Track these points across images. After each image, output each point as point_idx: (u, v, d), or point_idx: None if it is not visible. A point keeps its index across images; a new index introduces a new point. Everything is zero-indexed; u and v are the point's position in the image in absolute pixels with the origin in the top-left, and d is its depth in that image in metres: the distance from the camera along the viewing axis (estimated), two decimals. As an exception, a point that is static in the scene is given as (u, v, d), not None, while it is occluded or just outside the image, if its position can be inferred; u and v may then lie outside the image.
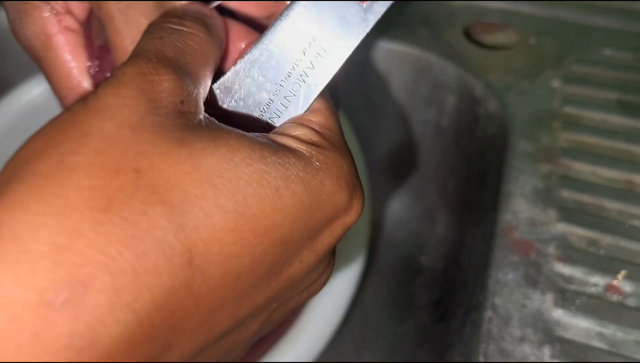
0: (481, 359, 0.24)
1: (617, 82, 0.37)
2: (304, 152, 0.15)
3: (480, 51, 0.41)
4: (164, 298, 0.12)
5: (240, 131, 0.14)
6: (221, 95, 0.18)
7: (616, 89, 0.36)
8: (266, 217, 0.13)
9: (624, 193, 0.30)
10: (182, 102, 0.14)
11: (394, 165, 0.50)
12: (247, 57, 0.18)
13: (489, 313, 0.25)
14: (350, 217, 0.16)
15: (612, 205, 0.29)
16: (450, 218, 0.45)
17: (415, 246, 0.48)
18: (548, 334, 0.24)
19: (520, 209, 0.30)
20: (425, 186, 0.48)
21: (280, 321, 0.17)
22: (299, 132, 0.16)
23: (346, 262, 0.29)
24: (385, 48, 0.43)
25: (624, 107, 0.35)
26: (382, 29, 0.44)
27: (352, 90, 0.47)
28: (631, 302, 0.25)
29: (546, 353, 0.24)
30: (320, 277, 0.17)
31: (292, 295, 0.16)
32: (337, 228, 0.16)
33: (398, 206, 0.51)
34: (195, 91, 0.15)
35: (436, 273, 0.45)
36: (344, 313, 0.28)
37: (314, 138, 0.16)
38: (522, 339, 0.24)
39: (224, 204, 0.12)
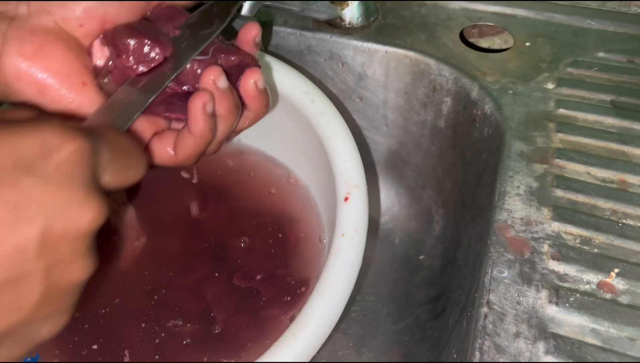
0: (477, 355, 0.24)
1: (610, 84, 0.37)
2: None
3: (477, 53, 0.42)
4: None
5: None
6: None
7: (610, 91, 0.37)
8: None
9: (617, 193, 0.30)
10: None
11: (392, 166, 0.51)
12: None
13: (484, 310, 0.26)
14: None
15: (605, 205, 0.30)
16: (447, 217, 0.46)
17: (413, 244, 0.48)
18: (542, 330, 0.25)
19: (516, 208, 0.30)
20: (423, 186, 0.49)
21: (85, 258, 0.19)
22: None
23: (345, 260, 0.29)
24: (384, 51, 0.43)
25: (618, 109, 0.36)
26: (381, 33, 0.44)
27: (351, 92, 0.47)
28: (624, 299, 0.26)
29: (540, 349, 0.24)
30: (80, 206, 0.19)
31: (49, 217, 0.18)
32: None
33: (396, 206, 0.51)
34: None
35: (433, 271, 0.45)
36: (343, 311, 0.28)
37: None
38: (517, 335, 0.25)
39: None
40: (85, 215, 0.18)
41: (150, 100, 0.26)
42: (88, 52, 0.28)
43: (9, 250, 0.17)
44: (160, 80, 0.27)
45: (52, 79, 0.26)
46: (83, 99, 0.26)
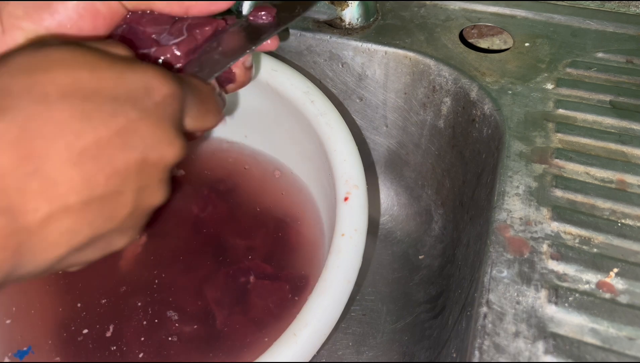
0: (476, 354, 0.24)
1: (609, 84, 0.38)
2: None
3: (476, 54, 0.42)
4: None
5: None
6: None
7: (609, 91, 0.37)
8: None
9: (616, 193, 0.30)
10: None
11: (392, 166, 0.51)
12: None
13: (484, 310, 0.26)
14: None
15: (604, 204, 0.30)
16: (446, 217, 0.46)
17: (412, 244, 0.48)
18: (542, 330, 0.25)
19: (515, 208, 0.30)
20: (422, 186, 0.49)
21: (163, 186, 0.23)
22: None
23: (345, 260, 0.29)
24: (384, 52, 0.43)
25: (617, 109, 0.36)
26: (381, 33, 0.44)
27: (351, 93, 0.47)
28: (623, 299, 0.26)
29: (540, 348, 0.24)
30: (170, 143, 0.22)
31: (148, 148, 0.21)
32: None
33: (396, 206, 0.51)
34: None
35: (433, 271, 0.45)
36: (343, 310, 0.29)
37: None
38: (517, 335, 0.25)
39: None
40: (173, 150, 0.22)
41: (231, 63, 0.29)
42: None
43: (116, 169, 0.20)
44: (241, 48, 0.30)
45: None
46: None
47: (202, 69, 0.28)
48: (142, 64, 0.22)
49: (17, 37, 0.25)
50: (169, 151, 0.22)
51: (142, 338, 0.35)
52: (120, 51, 0.22)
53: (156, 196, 0.23)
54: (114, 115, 0.20)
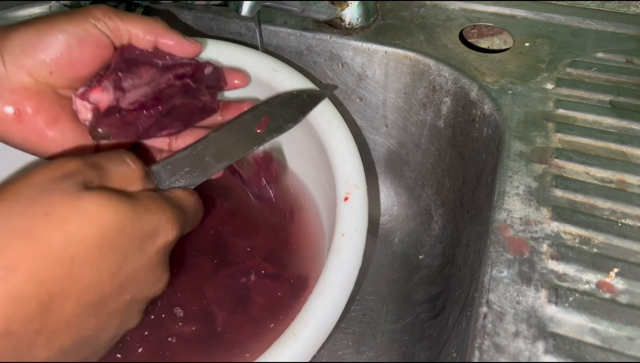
0: (476, 354, 0.24)
1: (609, 84, 0.38)
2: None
3: (476, 54, 0.42)
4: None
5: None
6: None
7: (609, 91, 0.37)
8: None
9: (616, 193, 0.30)
10: None
11: (392, 166, 0.51)
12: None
13: (484, 310, 0.26)
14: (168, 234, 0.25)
15: (604, 204, 0.30)
16: (446, 217, 0.46)
17: (412, 244, 0.48)
18: (542, 330, 0.25)
19: (515, 208, 0.30)
20: (422, 186, 0.49)
21: (140, 315, 0.26)
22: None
23: (345, 260, 0.29)
24: (384, 52, 0.43)
25: (617, 109, 0.36)
26: (381, 33, 0.44)
27: (351, 93, 0.47)
28: (623, 299, 0.26)
29: (540, 348, 0.24)
30: (158, 281, 0.26)
31: (138, 290, 0.25)
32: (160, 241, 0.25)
33: (396, 206, 0.51)
34: None
35: (433, 271, 0.45)
36: (343, 310, 0.29)
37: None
38: (517, 334, 0.25)
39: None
40: (160, 285, 0.26)
41: (219, 169, 0.32)
42: (74, 108, 0.30)
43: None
44: (233, 154, 0.32)
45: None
46: (56, 134, 0.30)
47: (191, 175, 0.30)
48: (158, 202, 0.25)
49: (21, 77, 0.28)
50: (158, 287, 0.27)
51: (142, 336, 0.35)
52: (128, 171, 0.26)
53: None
54: None
